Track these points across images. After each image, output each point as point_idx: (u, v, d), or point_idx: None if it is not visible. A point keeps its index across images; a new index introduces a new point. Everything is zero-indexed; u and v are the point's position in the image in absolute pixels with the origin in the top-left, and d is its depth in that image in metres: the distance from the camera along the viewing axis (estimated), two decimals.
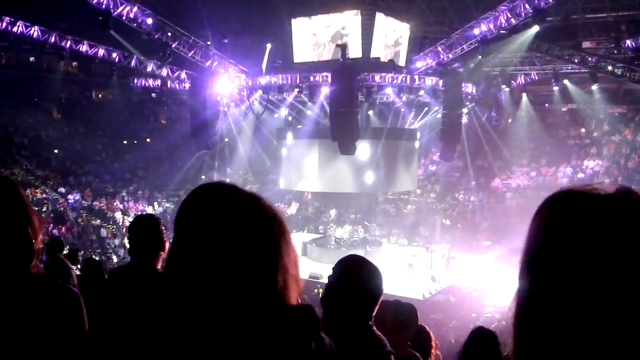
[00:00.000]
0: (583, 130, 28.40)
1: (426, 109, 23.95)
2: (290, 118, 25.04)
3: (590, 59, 22.60)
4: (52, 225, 21.83)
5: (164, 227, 3.44)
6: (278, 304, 1.31)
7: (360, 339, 2.42)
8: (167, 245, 3.38)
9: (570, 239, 0.92)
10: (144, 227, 3.40)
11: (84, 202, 25.10)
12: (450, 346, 11.94)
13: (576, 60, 22.86)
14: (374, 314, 2.54)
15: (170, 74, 25.29)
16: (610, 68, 22.05)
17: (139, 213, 25.07)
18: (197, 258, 1.30)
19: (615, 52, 22.77)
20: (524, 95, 28.15)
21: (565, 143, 28.12)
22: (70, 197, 24.95)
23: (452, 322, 15.51)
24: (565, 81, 25.46)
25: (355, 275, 2.52)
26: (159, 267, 3.40)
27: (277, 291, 1.31)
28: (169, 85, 26.24)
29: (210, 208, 1.34)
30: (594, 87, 24.40)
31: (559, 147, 27.62)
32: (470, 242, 23.55)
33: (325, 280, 2.66)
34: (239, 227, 1.31)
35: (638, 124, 27.01)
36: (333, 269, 2.59)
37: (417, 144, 24.95)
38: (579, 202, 0.96)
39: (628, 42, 22.53)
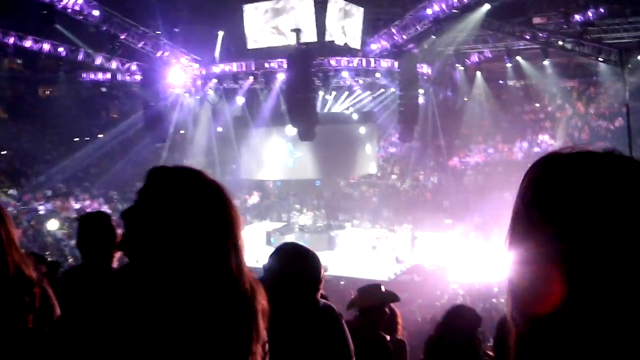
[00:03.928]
0: (537, 105, 28.94)
1: (382, 90, 24.01)
2: (247, 106, 24.65)
3: (541, 34, 22.92)
4: None
5: (114, 224, 3.27)
6: (234, 289, 1.35)
7: (308, 313, 2.51)
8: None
9: (575, 196, 0.87)
10: (93, 224, 3.23)
11: (36, 204, 24.29)
12: (418, 324, 12.03)
13: (527, 37, 23.15)
14: (320, 293, 2.61)
15: (120, 67, 24.56)
16: (560, 43, 22.43)
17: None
18: (157, 239, 1.32)
19: (565, 27, 23.18)
20: (478, 73, 28.42)
21: (520, 118, 28.62)
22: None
23: (418, 301, 15.65)
24: (518, 57, 25.77)
25: (293, 264, 2.55)
26: (114, 265, 3.26)
27: (232, 275, 1.35)
28: (119, 78, 25.48)
29: (176, 192, 1.36)
30: (546, 62, 24.79)
31: (515, 123, 28.08)
32: (433, 221, 23.75)
33: None
34: (202, 212, 1.34)
35: (590, 96, 27.67)
36: (269, 258, 2.61)
37: (373, 127, 25.04)
38: (573, 159, 0.92)
39: (577, 16, 22.97)
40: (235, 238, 1.38)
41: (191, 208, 1.33)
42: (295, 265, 2.57)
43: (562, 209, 0.87)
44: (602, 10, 23.18)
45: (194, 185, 1.37)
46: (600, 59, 21.72)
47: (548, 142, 26.50)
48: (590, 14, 22.89)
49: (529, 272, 0.89)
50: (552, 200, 0.89)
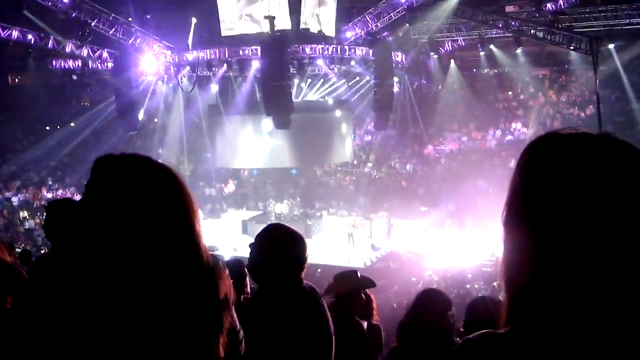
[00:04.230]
0: (510, 93, 29.24)
1: (357, 78, 24.01)
2: (221, 94, 24.42)
3: (513, 23, 23.11)
4: None
5: None
6: (190, 279, 1.30)
7: (292, 292, 2.59)
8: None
9: (569, 177, 0.92)
10: (61, 211, 3.19)
11: (7, 193, 23.86)
12: (393, 310, 12.16)
13: (500, 25, 23.31)
14: (303, 275, 2.68)
15: (91, 54, 24.07)
16: (532, 31, 22.65)
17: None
18: (108, 232, 1.27)
19: (537, 15, 23.41)
20: (452, 61, 28.56)
21: (493, 107, 28.89)
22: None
23: (394, 287, 15.79)
24: (491, 46, 25.95)
25: (278, 244, 2.63)
26: None
27: (189, 265, 1.30)
28: (90, 66, 24.99)
29: (124, 180, 1.30)
30: (518, 50, 24.99)
31: (488, 111, 28.34)
32: (408, 208, 23.94)
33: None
34: (153, 200, 1.28)
35: (561, 84, 28.07)
36: (256, 239, 2.71)
37: (348, 115, 25.06)
38: (567, 141, 0.96)
39: (549, 5, 23.20)
40: (190, 225, 1.32)
41: (141, 196, 1.28)
42: (281, 244, 2.64)
43: (557, 192, 0.93)
44: None
45: (142, 173, 1.31)
46: (571, 47, 21.99)
47: (521, 130, 26.81)
48: (561, 2, 23.14)
49: (509, 254, 1.00)
50: (549, 182, 0.93)
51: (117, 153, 1.36)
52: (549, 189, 0.93)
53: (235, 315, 1.60)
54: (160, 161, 1.38)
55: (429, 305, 3.44)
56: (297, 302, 2.60)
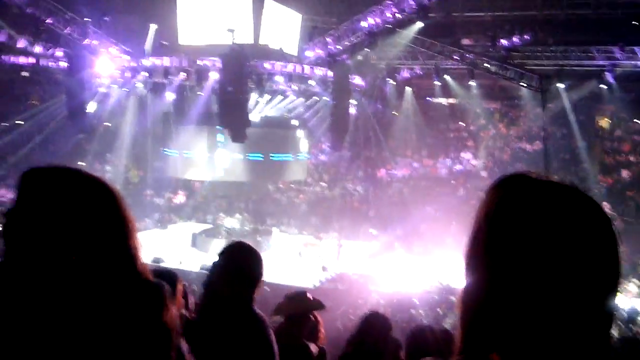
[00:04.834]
0: (461, 123, 29.99)
1: (316, 98, 24.17)
2: (176, 103, 24.06)
3: (468, 55, 23.83)
4: None
5: None
6: (125, 303, 1.22)
7: (241, 316, 2.65)
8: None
9: (533, 223, 0.94)
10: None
11: None
12: (339, 332, 12.13)
13: (456, 57, 24.01)
14: (255, 295, 2.76)
15: (45, 52, 23.35)
16: (486, 65, 23.40)
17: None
18: (34, 247, 1.21)
19: (491, 50, 24.20)
20: (408, 88, 29.10)
21: (445, 135, 29.54)
22: None
23: (341, 309, 15.75)
24: (446, 76, 26.62)
25: (238, 261, 2.75)
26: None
27: (125, 285, 1.23)
28: (42, 64, 24.20)
29: (52, 194, 1.24)
30: (472, 82, 25.69)
31: (439, 140, 28.96)
32: (358, 230, 24.09)
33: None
34: (82, 213, 1.23)
35: (511, 118, 28.99)
36: (219, 254, 2.85)
37: (303, 133, 25.14)
38: (537, 187, 0.99)
39: (503, 41, 24.02)
40: (125, 240, 1.26)
41: (69, 210, 1.22)
42: (238, 261, 2.77)
43: (520, 235, 0.95)
44: (526, 36, 24.37)
45: (71, 186, 1.26)
46: (522, 83, 22.82)
47: (470, 161, 27.48)
48: (515, 39, 24.01)
49: (467, 286, 1.01)
50: (513, 225, 0.95)
51: (45, 165, 1.32)
52: (512, 231, 0.95)
53: (184, 347, 1.51)
54: (91, 172, 1.33)
55: (370, 330, 3.47)
56: (245, 330, 2.62)
